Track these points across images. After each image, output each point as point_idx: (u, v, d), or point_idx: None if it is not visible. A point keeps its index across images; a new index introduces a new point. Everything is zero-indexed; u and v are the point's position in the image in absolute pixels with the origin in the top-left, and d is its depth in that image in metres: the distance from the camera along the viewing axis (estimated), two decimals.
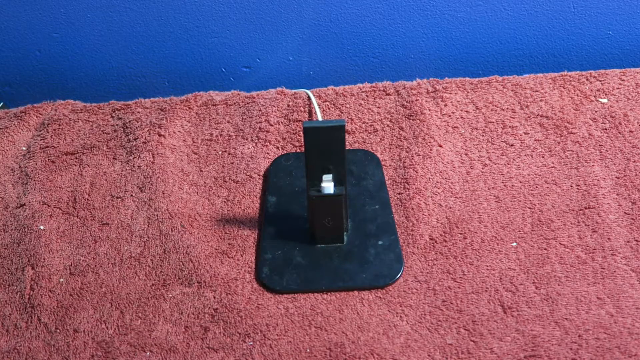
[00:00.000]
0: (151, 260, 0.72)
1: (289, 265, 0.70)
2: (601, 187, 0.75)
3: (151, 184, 0.79)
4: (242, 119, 0.85)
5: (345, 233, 0.72)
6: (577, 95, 0.82)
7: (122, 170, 0.82)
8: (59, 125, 0.89)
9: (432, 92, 0.84)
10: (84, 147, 0.85)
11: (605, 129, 0.79)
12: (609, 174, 0.76)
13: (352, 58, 0.93)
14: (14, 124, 0.90)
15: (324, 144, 0.67)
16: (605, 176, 0.76)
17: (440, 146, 0.79)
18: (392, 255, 0.70)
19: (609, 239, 0.71)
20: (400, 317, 0.67)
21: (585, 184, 0.75)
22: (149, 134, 0.85)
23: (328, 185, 0.68)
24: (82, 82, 1.01)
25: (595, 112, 0.81)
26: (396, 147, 0.80)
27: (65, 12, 0.93)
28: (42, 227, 0.76)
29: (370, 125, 0.82)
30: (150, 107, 0.89)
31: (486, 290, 0.68)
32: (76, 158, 0.84)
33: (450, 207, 0.74)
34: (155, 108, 0.89)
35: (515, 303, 0.67)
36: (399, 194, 0.75)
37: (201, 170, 0.81)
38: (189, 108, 0.88)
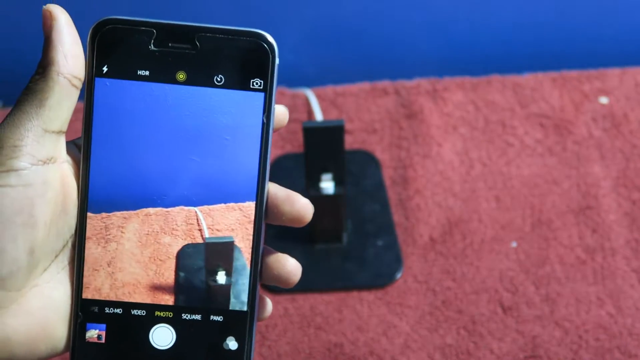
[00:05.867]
0: None
1: None
2: (601, 187, 0.74)
3: None
4: None
5: (344, 233, 0.72)
6: (577, 95, 0.82)
7: None
8: None
9: (431, 91, 0.83)
10: None
11: (605, 129, 0.79)
12: (609, 174, 0.76)
13: (352, 57, 0.93)
14: None
15: (324, 144, 0.67)
16: (605, 176, 0.75)
17: (440, 146, 0.79)
18: (391, 256, 0.70)
19: (609, 239, 0.70)
20: (400, 317, 0.66)
21: (585, 184, 0.75)
22: None
23: (327, 186, 0.68)
24: None
25: (595, 112, 0.81)
26: (396, 147, 0.79)
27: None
28: None
29: (370, 125, 0.82)
30: None
31: (486, 291, 0.68)
32: None
33: (450, 207, 0.74)
34: None
35: (515, 303, 0.67)
36: (399, 194, 0.75)
37: None
38: None
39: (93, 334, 0.39)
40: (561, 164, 0.77)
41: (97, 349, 0.39)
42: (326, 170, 0.68)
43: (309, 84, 0.87)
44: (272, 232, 0.73)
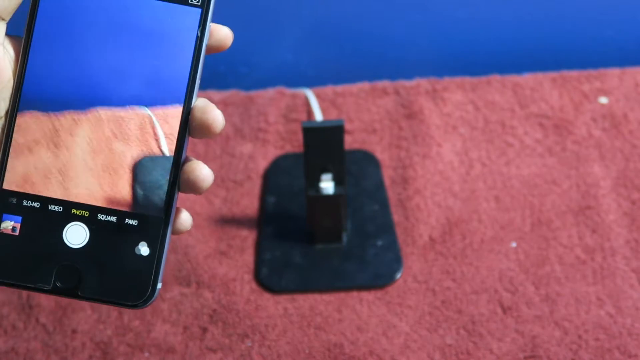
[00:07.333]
0: None
1: (288, 266, 0.70)
2: (601, 187, 0.74)
3: None
4: (241, 118, 0.84)
5: (344, 233, 0.72)
6: (577, 95, 0.82)
7: None
8: None
9: (431, 91, 0.83)
10: None
11: (605, 129, 0.79)
12: (609, 174, 0.76)
13: (352, 57, 0.93)
14: None
15: (323, 144, 0.67)
16: (605, 176, 0.75)
17: (440, 146, 0.79)
18: (391, 256, 0.70)
19: (608, 239, 0.70)
20: (400, 317, 0.66)
21: (585, 184, 0.75)
22: None
23: (327, 186, 0.68)
24: None
25: (595, 112, 0.81)
26: (395, 147, 0.79)
27: None
28: None
29: (370, 125, 0.82)
30: None
31: (486, 291, 0.68)
32: None
33: (450, 207, 0.74)
34: None
35: (514, 303, 0.66)
36: (398, 194, 0.75)
37: None
38: None
39: (8, 225, 0.39)
40: (561, 164, 0.77)
41: (9, 240, 0.39)
42: (326, 170, 0.68)
43: (309, 84, 0.87)
44: (271, 231, 0.73)
